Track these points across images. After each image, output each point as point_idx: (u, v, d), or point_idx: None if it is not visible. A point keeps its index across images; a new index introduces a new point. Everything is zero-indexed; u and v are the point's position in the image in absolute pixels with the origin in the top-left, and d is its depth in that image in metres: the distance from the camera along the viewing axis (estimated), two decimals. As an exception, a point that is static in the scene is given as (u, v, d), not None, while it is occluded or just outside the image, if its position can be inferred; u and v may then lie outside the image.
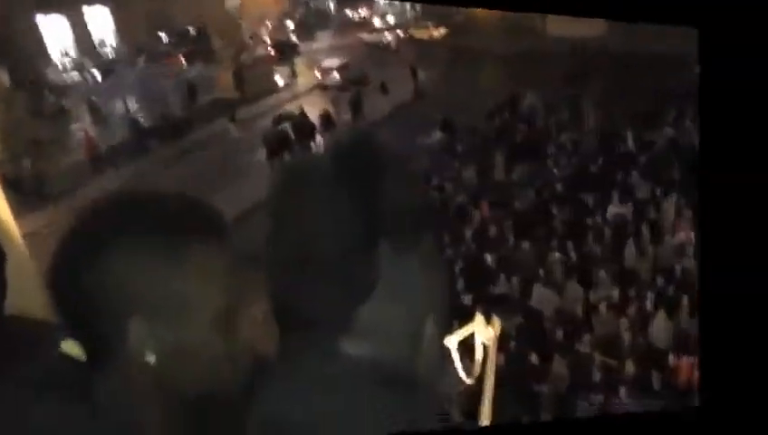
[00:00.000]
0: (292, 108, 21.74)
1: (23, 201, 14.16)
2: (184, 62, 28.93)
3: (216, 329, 0.86)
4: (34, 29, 29.07)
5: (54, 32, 30.50)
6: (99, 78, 28.98)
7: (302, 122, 19.14)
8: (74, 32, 31.33)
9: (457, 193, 14.45)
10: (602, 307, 9.65)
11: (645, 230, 10.65)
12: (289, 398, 0.73)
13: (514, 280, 10.82)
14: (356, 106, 21.38)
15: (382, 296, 0.74)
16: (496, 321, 1.06)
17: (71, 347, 0.89)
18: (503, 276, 10.99)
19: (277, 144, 17.52)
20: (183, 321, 0.85)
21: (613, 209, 11.50)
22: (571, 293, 10.39)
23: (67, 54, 31.00)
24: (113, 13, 32.32)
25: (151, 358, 0.84)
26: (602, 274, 10.27)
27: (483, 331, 1.04)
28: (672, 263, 9.81)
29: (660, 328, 9.01)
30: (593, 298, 10.08)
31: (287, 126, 18.83)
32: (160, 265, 0.83)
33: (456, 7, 33.84)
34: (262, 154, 17.74)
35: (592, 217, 11.61)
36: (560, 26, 26.47)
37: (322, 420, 0.70)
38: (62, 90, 27.30)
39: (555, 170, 13.83)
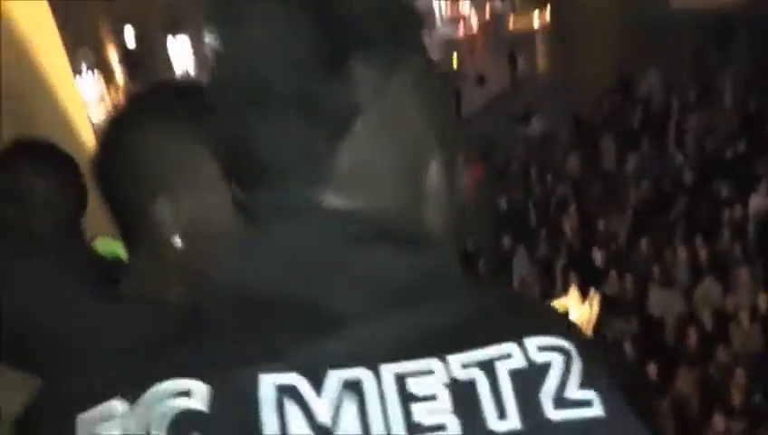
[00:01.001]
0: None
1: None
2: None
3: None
4: (163, 48, 34.28)
5: (179, 49, 35.80)
6: (212, 88, 36.59)
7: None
8: (193, 48, 36.68)
9: (559, 184, 12.92)
10: (744, 316, 7.88)
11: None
12: (264, 266, 0.59)
13: (628, 280, 9.20)
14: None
15: (364, 133, 0.59)
16: (595, 298, 0.95)
17: (101, 243, 1.06)
18: (613, 275, 9.40)
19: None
20: (206, 202, 0.89)
21: (757, 201, 9.59)
22: (701, 297, 8.67)
23: (186, 70, 37.05)
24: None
25: (176, 240, 0.88)
26: (744, 275, 8.43)
27: (577, 309, 0.95)
28: None
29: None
30: (730, 304, 8.31)
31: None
32: (186, 146, 0.88)
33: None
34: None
35: (730, 210, 9.74)
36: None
37: (307, 287, 0.57)
38: (181, 99, 34.52)
39: (680, 156, 11.93)
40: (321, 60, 0.57)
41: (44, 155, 1.49)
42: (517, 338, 0.55)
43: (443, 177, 0.64)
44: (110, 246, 1.04)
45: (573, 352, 0.56)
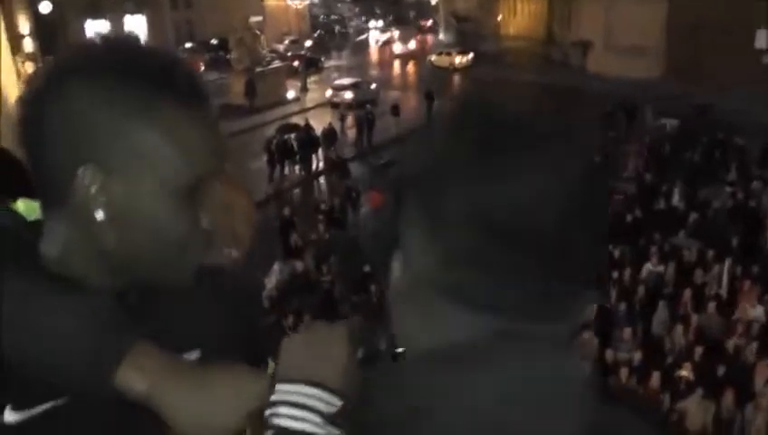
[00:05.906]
0: (298, 120, 23.56)
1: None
2: (202, 67, 33.47)
3: (174, 202, 0.84)
4: (81, 31, 35.08)
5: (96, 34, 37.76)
6: (126, 76, 37.85)
7: (306, 135, 20.80)
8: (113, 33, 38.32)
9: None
10: (623, 371, 8.59)
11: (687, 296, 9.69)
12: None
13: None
14: (363, 125, 23.40)
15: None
16: None
17: (23, 204, 0.99)
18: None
19: (279, 153, 19.60)
20: (139, 183, 0.83)
21: (649, 267, 10.51)
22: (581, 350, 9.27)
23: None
24: (148, 21, 40.61)
25: (99, 214, 0.83)
26: (627, 334, 9.18)
27: None
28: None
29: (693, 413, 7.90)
30: (609, 358, 9.02)
31: (291, 137, 20.52)
32: (128, 117, 0.82)
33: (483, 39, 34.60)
34: (262, 161, 19.64)
35: (619, 272, 10.61)
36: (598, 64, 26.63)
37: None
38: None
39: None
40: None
41: None
42: None
43: None
44: (32, 207, 0.97)
45: None
